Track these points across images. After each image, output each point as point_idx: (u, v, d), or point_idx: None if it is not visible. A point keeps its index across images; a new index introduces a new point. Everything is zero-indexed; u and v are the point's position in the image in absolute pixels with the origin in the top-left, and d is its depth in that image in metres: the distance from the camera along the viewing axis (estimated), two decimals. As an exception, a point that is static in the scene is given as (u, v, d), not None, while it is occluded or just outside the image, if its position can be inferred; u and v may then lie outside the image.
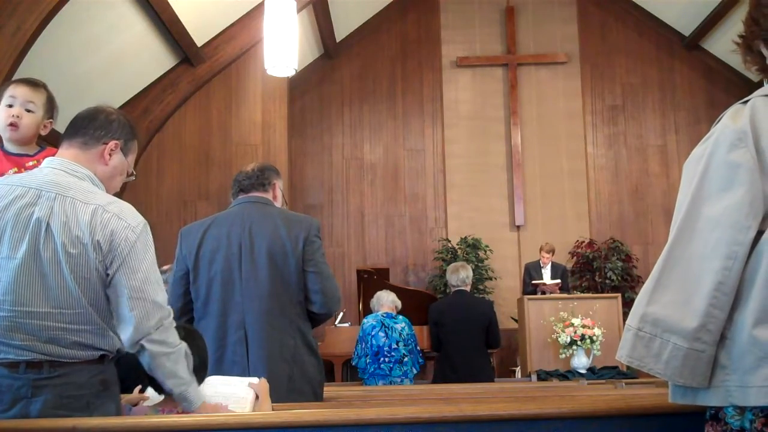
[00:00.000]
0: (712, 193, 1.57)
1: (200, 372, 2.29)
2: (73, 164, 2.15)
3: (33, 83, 2.74)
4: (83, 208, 2.06)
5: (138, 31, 7.52)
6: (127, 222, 2.09)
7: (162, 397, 2.28)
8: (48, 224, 2.03)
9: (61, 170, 2.13)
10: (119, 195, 2.27)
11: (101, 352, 2.07)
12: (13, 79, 2.76)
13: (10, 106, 2.69)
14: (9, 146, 2.76)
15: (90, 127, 2.21)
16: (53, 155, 2.24)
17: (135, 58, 7.85)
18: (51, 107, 2.77)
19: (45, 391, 1.98)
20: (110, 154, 2.21)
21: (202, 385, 2.31)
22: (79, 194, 2.08)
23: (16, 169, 2.63)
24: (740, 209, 1.53)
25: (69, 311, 2.02)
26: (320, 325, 3.36)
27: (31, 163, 2.66)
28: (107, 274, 2.05)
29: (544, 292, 7.88)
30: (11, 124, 2.68)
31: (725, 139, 1.57)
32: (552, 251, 8.44)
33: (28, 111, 2.70)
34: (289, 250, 3.10)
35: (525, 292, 8.18)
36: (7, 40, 5.86)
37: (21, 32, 5.90)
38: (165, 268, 6.14)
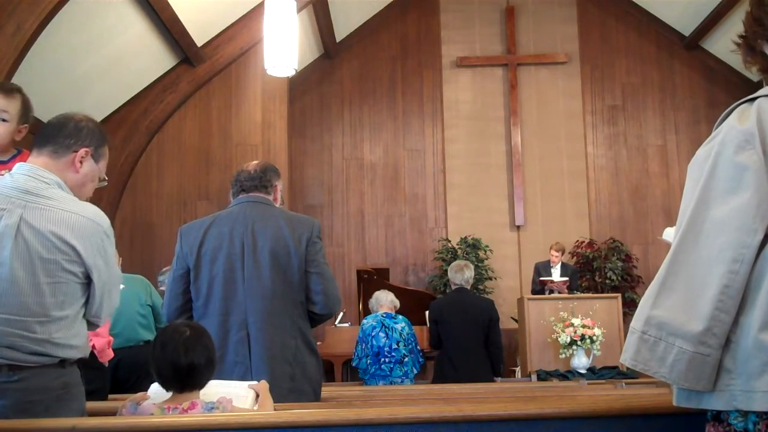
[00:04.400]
0: (719, 195, 1.54)
1: (207, 371, 2.29)
2: (42, 170, 2.15)
3: (7, 90, 2.69)
4: (56, 213, 2.07)
5: (138, 31, 7.52)
6: (100, 224, 2.14)
7: (169, 395, 2.28)
8: (19, 230, 2.02)
9: (30, 176, 2.13)
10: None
11: (60, 358, 2.07)
12: None
13: None
14: None
15: (59, 135, 2.21)
16: (25, 160, 2.24)
17: (135, 58, 7.84)
18: (26, 112, 2.72)
19: (5, 395, 1.97)
20: (81, 162, 2.22)
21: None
22: (49, 201, 2.09)
23: None
24: (747, 212, 1.50)
25: (32, 319, 2.01)
26: (318, 325, 3.36)
27: (3, 172, 2.60)
28: (86, 275, 2.10)
29: (552, 291, 7.87)
30: None
31: (732, 140, 1.54)
32: (562, 250, 8.46)
33: (2, 120, 2.66)
34: (292, 250, 3.09)
35: (534, 291, 8.16)
36: (7, 40, 5.85)
37: (21, 32, 5.89)
38: (165, 269, 6.16)
